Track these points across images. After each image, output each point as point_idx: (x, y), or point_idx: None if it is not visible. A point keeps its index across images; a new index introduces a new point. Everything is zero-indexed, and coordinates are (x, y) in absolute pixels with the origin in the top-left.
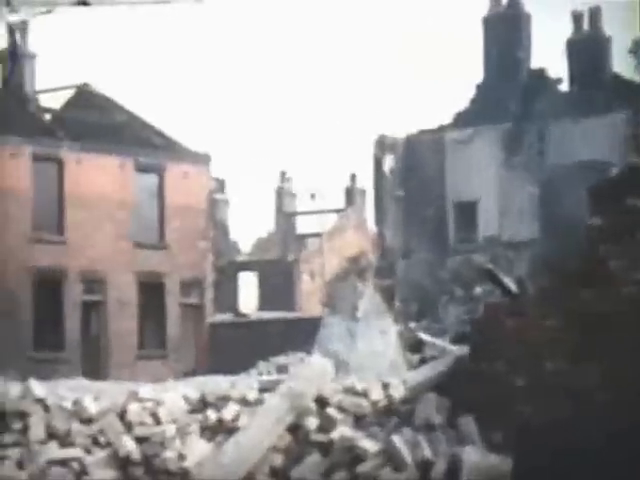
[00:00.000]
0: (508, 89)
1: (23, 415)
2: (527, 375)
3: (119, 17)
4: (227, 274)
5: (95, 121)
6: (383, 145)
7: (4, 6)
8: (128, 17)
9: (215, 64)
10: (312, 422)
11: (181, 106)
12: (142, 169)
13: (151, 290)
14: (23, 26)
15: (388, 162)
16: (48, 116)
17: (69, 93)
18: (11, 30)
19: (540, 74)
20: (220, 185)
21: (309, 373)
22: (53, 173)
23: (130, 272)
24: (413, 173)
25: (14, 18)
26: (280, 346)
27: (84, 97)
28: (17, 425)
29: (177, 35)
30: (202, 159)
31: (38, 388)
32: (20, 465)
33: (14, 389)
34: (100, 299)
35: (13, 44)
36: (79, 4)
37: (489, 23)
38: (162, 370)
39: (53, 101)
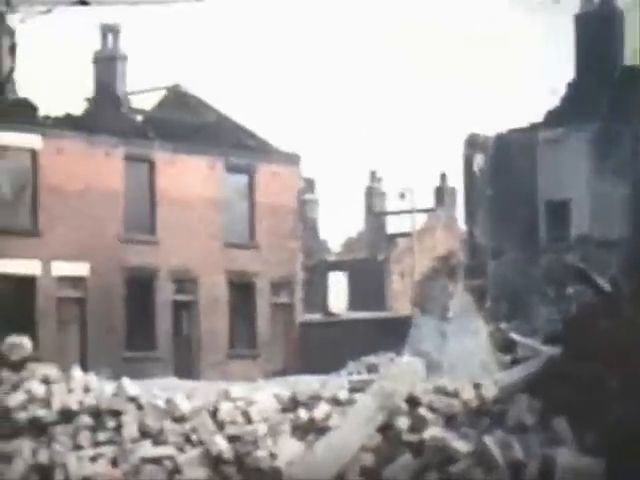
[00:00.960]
0: (600, 87)
1: (117, 413)
2: (620, 376)
3: (187, 15)
4: (317, 273)
5: (186, 121)
6: (473, 144)
7: (4, 5)
8: (198, 14)
9: (304, 62)
10: (403, 422)
11: (271, 106)
12: (233, 169)
13: (241, 290)
14: (116, 28)
15: (478, 161)
16: (140, 117)
17: (160, 94)
18: (104, 32)
19: (633, 72)
20: (310, 185)
21: (400, 373)
22: (145, 173)
23: (221, 272)
24: (503, 172)
25: (13, 17)
26: (370, 346)
27: (175, 98)
28: (111, 423)
29: (263, 34)
30: (292, 159)
31: (131, 387)
32: (114, 463)
33: (108, 388)
34: (191, 299)
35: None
36: (79, 3)
37: (581, 20)
38: (252, 369)
39: (144, 102)
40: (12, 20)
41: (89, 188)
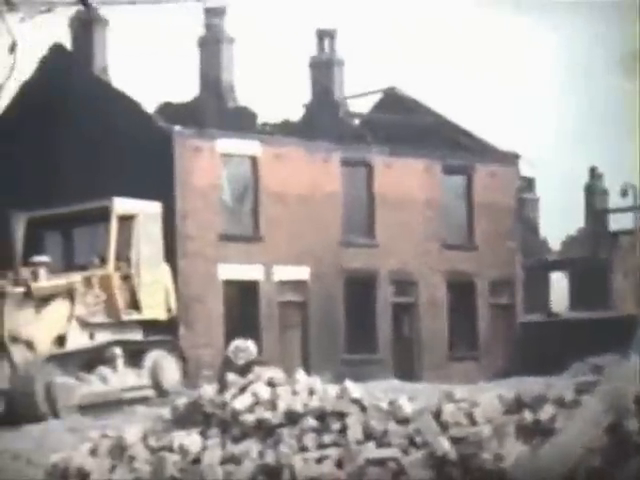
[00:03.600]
0: None
1: (341, 415)
2: None
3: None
4: (537, 273)
5: (403, 124)
6: None
7: (4, 5)
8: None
9: (517, 60)
10: (633, 424)
11: (490, 105)
12: (450, 171)
13: (460, 291)
14: (332, 32)
15: None
16: (357, 121)
17: (376, 97)
18: (320, 36)
19: None
20: (529, 184)
21: (627, 374)
22: (362, 177)
23: (440, 273)
24: None
25: (13, 17)
26: (594, 346)
27: (391, 101)
28: (336, 425)
29: (475, 32)
30: (510, 158)
31: (354, 389)
32: (339, 464)
33: (332, 390)
34: (411, 300)
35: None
36: (79, 4)
37: None
38: (473, 371)
39: (361, 106)
40: (12, 19)
41: (308, 193)
